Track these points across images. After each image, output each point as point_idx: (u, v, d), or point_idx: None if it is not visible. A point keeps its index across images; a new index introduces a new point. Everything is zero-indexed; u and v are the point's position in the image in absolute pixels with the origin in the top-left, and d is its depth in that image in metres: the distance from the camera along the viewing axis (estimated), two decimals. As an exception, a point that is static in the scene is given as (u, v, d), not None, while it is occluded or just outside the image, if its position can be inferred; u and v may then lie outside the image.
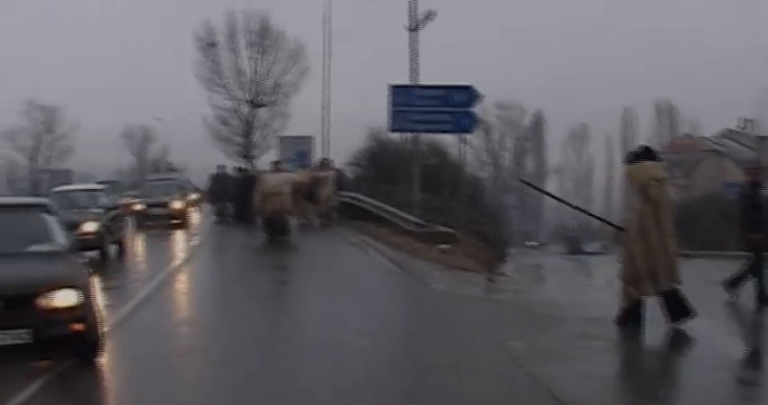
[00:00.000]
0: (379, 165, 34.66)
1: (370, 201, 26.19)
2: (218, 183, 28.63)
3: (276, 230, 20.61)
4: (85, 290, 7.74)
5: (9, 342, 7.26)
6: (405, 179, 24.52)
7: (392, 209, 24.42)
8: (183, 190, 30.69)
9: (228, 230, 25.24)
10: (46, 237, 8.60)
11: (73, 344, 7.62)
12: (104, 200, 18.79)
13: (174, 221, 26.53)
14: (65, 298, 7.52)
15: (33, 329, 7.30)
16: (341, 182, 26.41)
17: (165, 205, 27.03)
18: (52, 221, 8.85)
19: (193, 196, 34.35)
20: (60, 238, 8.65)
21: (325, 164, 27.35)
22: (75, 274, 7.94)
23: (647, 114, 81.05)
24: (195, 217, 30.61)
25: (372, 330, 10.09)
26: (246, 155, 48.48)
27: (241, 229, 24.32)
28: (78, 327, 7.52)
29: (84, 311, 7.62)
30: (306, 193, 24.07)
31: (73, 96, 77.99)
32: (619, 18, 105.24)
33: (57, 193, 18.72)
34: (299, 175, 24.65)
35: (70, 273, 7.92)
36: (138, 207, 27.46)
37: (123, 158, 79.99)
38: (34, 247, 8.38)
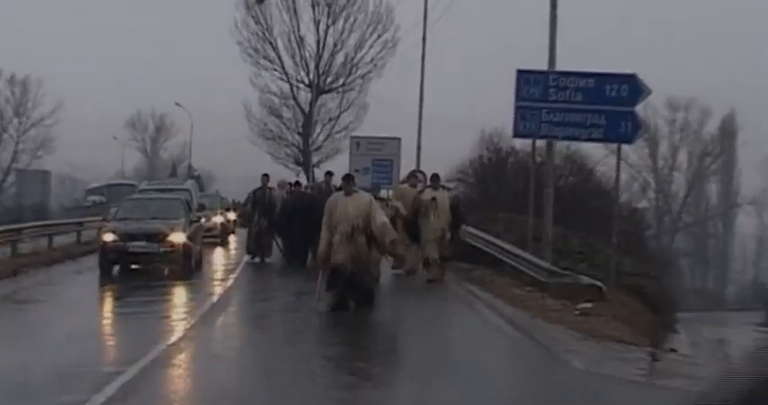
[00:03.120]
0: (494, 184, 34.98)
1: (482, 235, 26.41)
2: (256, 205, 27.97)
3: (350, 292, 17.60)
4: None
5: None
6: (530, 206, 24.60)
7: (512, 248, 24.54)
8: (192, 212, 27.34)
9: (269, 280, 24.61)
10: None
11: None
12: None
13: (172, 266, 23.29)
14: None
15: None
16: (458, 211, 23.92)
17: (155, 238, 23.24)
18: None
19: (216, 220, 34.06)
20: None
21: (434, 182, 24.42)
22: None
23: None
24: (220, 254, 30.56)
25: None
26: (302, 161, 48.40)
27: (292, 277, 23.93)
28: None
29: None
30: (407, 227, 22.70)
31: (58, 68, 79.07)
32: None
33: None
34: (391, 199, 24.02)
35: None
36: (108, 238, 23.48)
37: (129, 157, 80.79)
38: None
